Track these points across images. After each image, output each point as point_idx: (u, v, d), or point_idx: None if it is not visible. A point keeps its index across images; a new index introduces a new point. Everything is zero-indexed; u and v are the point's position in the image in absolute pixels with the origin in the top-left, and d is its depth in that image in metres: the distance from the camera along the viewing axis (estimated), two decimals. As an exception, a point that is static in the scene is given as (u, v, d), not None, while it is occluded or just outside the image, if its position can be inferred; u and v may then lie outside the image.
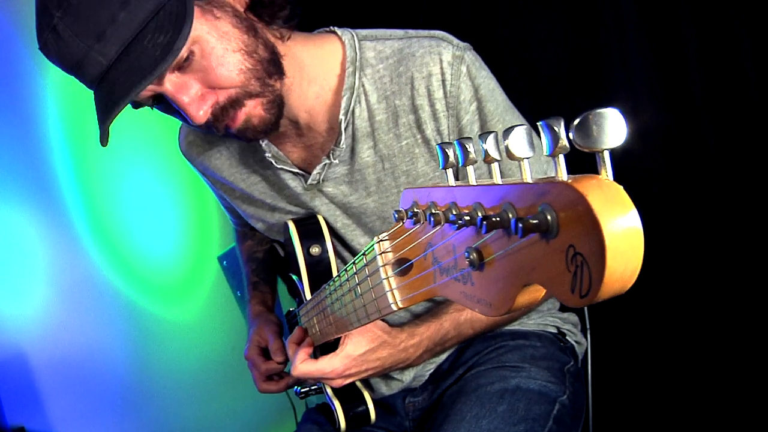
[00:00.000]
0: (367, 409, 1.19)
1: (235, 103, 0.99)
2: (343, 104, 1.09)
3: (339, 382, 1.06)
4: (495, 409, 1.13)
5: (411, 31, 1.12)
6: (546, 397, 1.16)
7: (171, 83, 0.95)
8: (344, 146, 1.13)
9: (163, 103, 1.01)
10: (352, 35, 1.13)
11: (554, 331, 1.31)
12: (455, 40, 1.08)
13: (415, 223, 0.52)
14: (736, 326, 1.50)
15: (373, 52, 1.11)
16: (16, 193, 2.06)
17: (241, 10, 1.00)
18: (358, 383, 1.22)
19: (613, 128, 0.35)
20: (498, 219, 0.39)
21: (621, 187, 0.34)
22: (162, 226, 2.44)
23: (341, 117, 1.10)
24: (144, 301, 2.33)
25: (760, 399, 1.46)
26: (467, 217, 0.43)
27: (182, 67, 0.94)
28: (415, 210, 0.52)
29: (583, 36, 1.70)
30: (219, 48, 0.95)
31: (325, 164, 1.15)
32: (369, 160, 1.14)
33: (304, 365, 1.05)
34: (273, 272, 1.58)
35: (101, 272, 2.23)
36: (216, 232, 2.54)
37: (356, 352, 1.03)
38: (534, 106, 1.78)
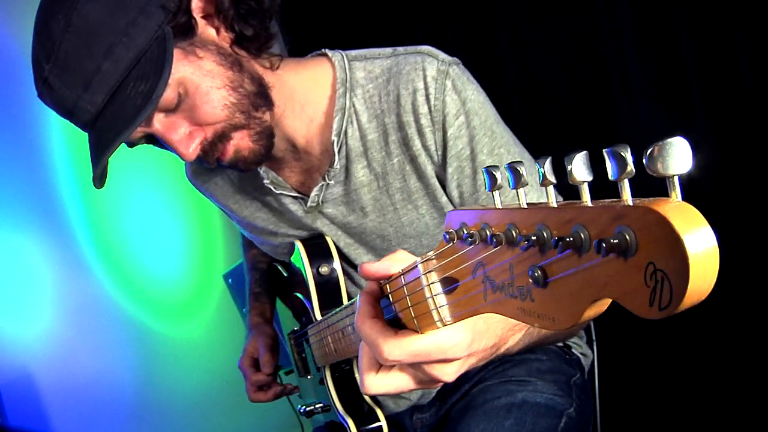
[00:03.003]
0: (381, 426, 1.20)
1: (222, 137, 1.02)
2: (335, 125, 1.12)
3: (455, 369, 0.70)
4: (502, 424, 1.15)
5: (399, 49, 1.14)
6: (553, 411, 1.19)
7: (160, 123, 0.99)
8: (338, 167, 1.15)
9: (156, 141, 1.05)
10: (342, 56, 1.15)
11: (560, 343, 1.34)
12: (441, 55, 1.09)
13: (471, 244, 0.54)
14: (743, 335, 1.53)
15: (363, 72, 1.13)
16: (21, 215, 2.05)
17: (227, 45, 1.02)
18: (369, 400, 1.23)
19: (681, 155, 0.38)
20: (572, 240, 0.42)
21: (694, 208, 0.37)
22: (167, 246, 2.45)
23: (333, 138, 1.12)
24: (150, 320, 2.32)
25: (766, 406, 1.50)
26: (534, 237, 0.46)
27: (170, 108, 0.98)
28: (470, 231, 0.54)
29: (580, 43, 1.72)
30: (203, 86, 0.98)
31: (321, 185, 1.18)
32: (364, 179, 1.16)
33: (408, 342, 0.65)
34: (274, 287, 1.59)
35: (107, 292, 2.22)
36: (221, 251, 2.55)
37: (477, 324, 0.69)
38: (532, 114, 1.79)
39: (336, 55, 1.15)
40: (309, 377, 1.40)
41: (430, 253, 0.63)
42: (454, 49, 1.14)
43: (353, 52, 1.17)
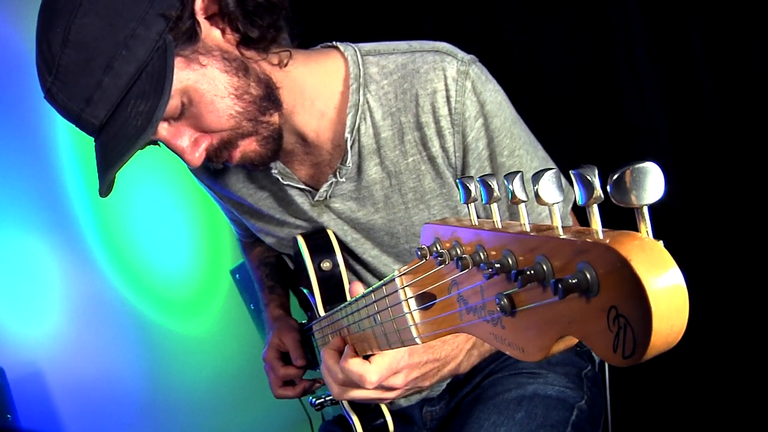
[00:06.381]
0: (386, 421, 1.19)
1: (228, 145, 1.00)
2: (349, 122, 1.08)
3: (401, 380, 0.91)
4: (513, 417, 1.13)
5: (415, 44, 1.10)
6: (564, 403, 1.16)
7: (165, 130, 0.97)
8: (351, 164, 1.11)
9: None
10: (355, 50, 1.10)
11: None
12: (460, 53, 1.05)
13: (440, 264, 0.51)
14: (754, 327, 1.49)
15: (377, 67, 1.09)
16: (28, 213, 2.06)
17: (232, 48, 0.97)
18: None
19: (652, 183, 0.34)
20: (533, 273, 0.38)
21: (662, 245, 0.33)
22: (174, 242, 2.45)
23: (347, 135, 1.08)
24: (158, 316, 2.34)
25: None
26: (498, 265, 0.42)
27: (174, 117, 0.96)
28: (440, 250, 0.51)
29: (590, 38, 1.68)
30: (208, 95, 0.94)
31: (332, 182, 1.14)
32: (376, 177, 1.13)
33: (375, 366, 0.87)
34: (285, 278, 1.57)
35: (115, 289, 2.24)
36: (228, 246, 2.54)
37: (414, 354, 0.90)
38: (541, 111, 1.76)
39: (348, 49, 1.10)
40: (317, 370, 1.39)
41: (404, 268, 0.60)
42: (459, 41, 1.09)
43: (366, 46, 1.12)
